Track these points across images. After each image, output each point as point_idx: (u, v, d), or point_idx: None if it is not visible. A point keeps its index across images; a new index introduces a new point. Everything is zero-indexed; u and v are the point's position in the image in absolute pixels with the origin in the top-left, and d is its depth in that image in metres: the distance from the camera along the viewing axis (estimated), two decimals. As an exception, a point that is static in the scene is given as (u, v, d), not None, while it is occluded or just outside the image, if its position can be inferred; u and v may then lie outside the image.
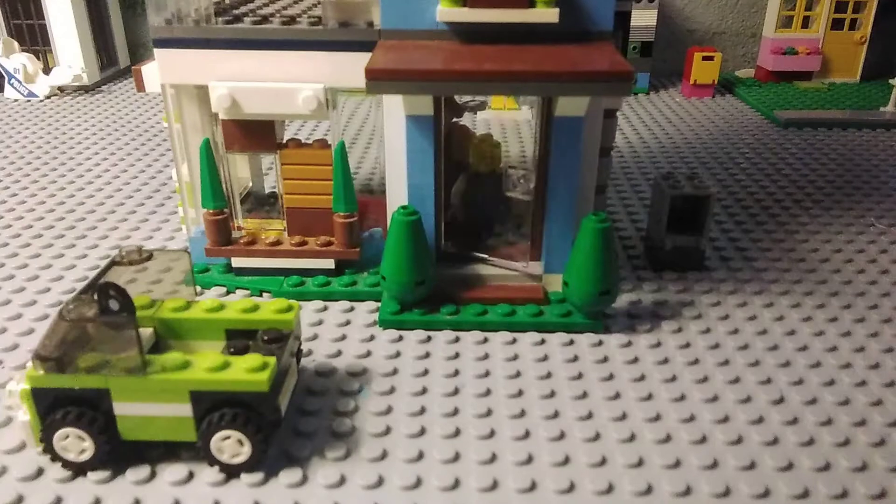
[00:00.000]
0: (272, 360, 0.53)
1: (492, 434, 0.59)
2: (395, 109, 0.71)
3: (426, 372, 0.66)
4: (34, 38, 1.63)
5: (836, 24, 1.65)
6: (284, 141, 0.78)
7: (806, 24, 1.65)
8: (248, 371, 0.52)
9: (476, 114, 1.46)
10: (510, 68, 0.63)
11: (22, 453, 0.56)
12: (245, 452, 0.53)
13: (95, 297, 0.50)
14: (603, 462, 0.56)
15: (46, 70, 1.60)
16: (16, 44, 1.59)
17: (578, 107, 0.69)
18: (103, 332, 0.50)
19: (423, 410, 0.61)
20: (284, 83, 0.72)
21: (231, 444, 0.52)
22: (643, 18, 1.59)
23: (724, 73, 1.75)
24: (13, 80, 1.55)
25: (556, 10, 0.66)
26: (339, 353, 0.69)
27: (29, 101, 1.55)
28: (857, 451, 0.57)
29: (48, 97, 1.56)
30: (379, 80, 0.62)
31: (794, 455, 0.57)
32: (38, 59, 1.60)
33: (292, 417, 0.60)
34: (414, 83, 0.63)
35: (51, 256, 0.87)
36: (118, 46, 1.77)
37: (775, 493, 0.53)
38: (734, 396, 0.63)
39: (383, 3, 0.68)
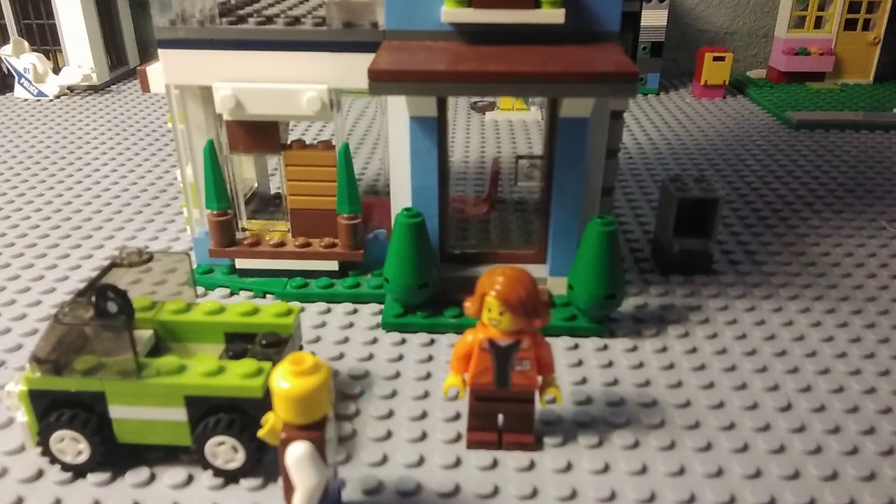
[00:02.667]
0: (267, 365, 0.53)
1: (493, 439, 0.58)
2: (399, 111, 0.71)
3: (429, 375, 0.66)
4: (44, 38, 1.64)
5: (850, 25, 1.63)
6: (289, 142, 0.78)
7: (818, 24, 1.63)
8: (242, 377, 0.51)
9: (484, 114, 1.46)
10: (514, 69, 0.62)
11: (22, 455, 0.56)
12: (239, 459, 0.52)
13: (92, 299, 0.50)
14: (606, 469, 0.55)
15: (56, 70, 1.61)
16: (26, 43, 1.60)
17: (583, 108, 0.68)
18: (99, 335, 0.50)
19: (424, 415, 0.61)
20: (288, 84, 0.72)
21: (225, 450, 0.52)
22: (653, 18, 1.58)
23: (736, 74, 1.74)
24: (23, 80, 1.56)
25: (562, 11, 0.65)
26: (341, 356, 0.68)
27: (38, 100, 1.55)
28: (866, 460, 0.56)
29: (58, 97, 1.57)
30: (382, 81, 0.62)
31: (800, 463, 0.56)
32: (48, 58, 1.61)
33: (292, 421, 0.59)
34: (417, 84, 0.63)
35: (56, 257, 0.87)
36: (128, 46, 1.78)
37: (781, 503, 0.52)
38: (740, 403, 0.62)
39: (388, 3, 0.67)
